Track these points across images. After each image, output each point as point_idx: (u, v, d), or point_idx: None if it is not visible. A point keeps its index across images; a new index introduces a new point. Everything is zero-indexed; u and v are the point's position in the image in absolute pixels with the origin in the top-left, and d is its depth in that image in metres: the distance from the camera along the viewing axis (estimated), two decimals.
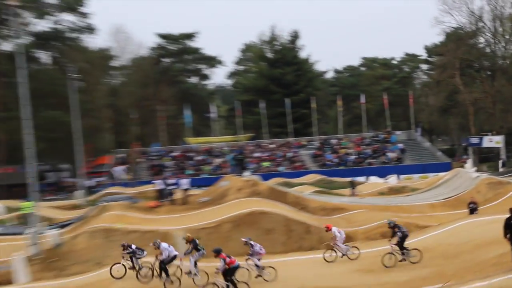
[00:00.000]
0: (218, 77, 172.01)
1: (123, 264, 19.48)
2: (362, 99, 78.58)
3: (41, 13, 69.27)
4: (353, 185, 46.08)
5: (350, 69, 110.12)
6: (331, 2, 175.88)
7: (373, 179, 57.27)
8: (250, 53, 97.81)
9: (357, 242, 24.46)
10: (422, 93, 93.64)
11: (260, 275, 19.50)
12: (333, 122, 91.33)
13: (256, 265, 19.74)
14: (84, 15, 71.91)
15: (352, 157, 69.20)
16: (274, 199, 30.23)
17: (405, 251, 19.64)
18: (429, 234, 22.76)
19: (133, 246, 19.81)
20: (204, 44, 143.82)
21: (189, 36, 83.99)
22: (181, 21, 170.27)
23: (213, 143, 74.25)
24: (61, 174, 71.12)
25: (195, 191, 40.79)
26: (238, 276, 17.91)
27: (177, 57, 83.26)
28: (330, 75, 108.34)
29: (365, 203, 35.09)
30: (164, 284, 18.26)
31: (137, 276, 19.00)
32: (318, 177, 58.49)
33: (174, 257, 19.12)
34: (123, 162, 65.76)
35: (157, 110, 75.15)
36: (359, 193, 44.65)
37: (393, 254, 19.60)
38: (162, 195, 36.81)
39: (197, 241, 19.29)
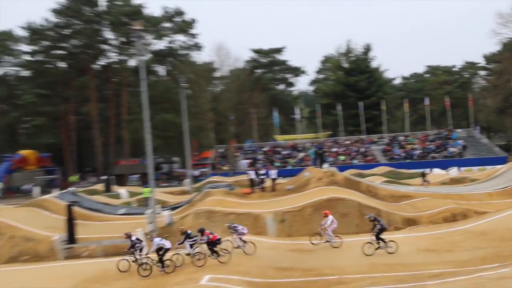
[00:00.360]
0: (302, 84, 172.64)
1: (126, 259, 19.08)
2: (426, 101, 77.16)
3: (159, 35, 72.24)
4: (424, 175, 44.63)
5: (415, 76, 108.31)
6: (400, 19, 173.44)
7: (436, 171, 55.84)
8: (329, 63, 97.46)
9: (421, 225, 24.48)
10: (480, 96, 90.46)
11: (239, 247, 19.88)
12: (400, 122, 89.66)
13: (238, 242, 20.13)
14: (192, 35, 74.46)
15: (417, 152, 68.40)
16: (349, 188, 29.93)
17: (381, 242, 19.00)
18: (487, 219, 22.24)
19: (133, 238, 19.65)
20: (290, 56, 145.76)
21: (278, 50, 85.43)
22: (271, 38, 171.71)
23: (297, 140, 74.92)
24: (172, 165, 73.42)
25: (282, 180, 40.30)
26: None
27: (267, 68, 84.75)
28: (398, 81, 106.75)
29: (429, 192, 33.94)
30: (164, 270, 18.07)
31: (138, 269, 18.41)
32: (387, 169, 57.79)
33: (168, 249, 18.66)
34: (222, 156, 68.18)
35: (250, 113, 75.89)
36: (430, 183, 42.93)
37: (371, 243, 18.99)
38: (254, 183, 36.29)
39: (189, 232, 19.30)
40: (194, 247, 18.95)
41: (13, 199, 52.04)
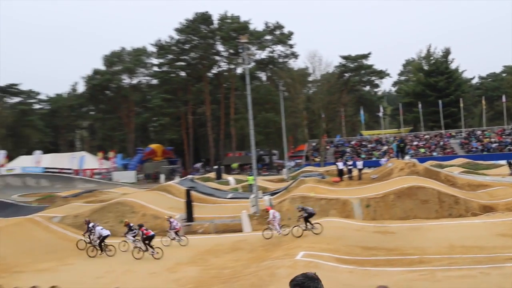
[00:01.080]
0: (385, 85, 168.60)
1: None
2: (503, 99, 72.97)
3: (262, 46, 73.07)
4: (510, 165, 40.89)
5: (492, 75, 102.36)
6: (479, 21, 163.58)
7: None
8: (410, 66, 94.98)
9: (498, 211, 22.97)
10: None
11: (174, 239, 20.68)
12: (478, 118, 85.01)
13: (173, 236, 20.84)
14: (290, 46, 74.62)
15: (494, 145, 64.67)
16: (429, 177, 28.87)
17: (309, 224, 19.75)
18: None
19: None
20: (375, 60, 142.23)
21: (364, 56, 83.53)
22: (359, 43, 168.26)
23: (381, 134, 73.56)
24: (272, 157, 73.91)
25: (367, 170, 39.92)
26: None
27: (355, 72, 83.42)
28: (475, 80, 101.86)
29: (506, 181, 31.67)
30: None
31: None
32: (465, 160, 54.64)
33: (106, 237, 19.66)
34: (315, 149, 67.86)
35: (339, 111, 75.19)
36: None
37: (299, 227, 19.90)
38: (343, 173, 36.04)
39: (131, 225, 19.61)
40: (135, 239, 19.17)
41: (144, 184, 54.47)
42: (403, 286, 12.33)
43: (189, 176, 49.13)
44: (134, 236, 19.35)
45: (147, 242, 18.52)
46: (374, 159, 61.58)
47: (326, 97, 67.22)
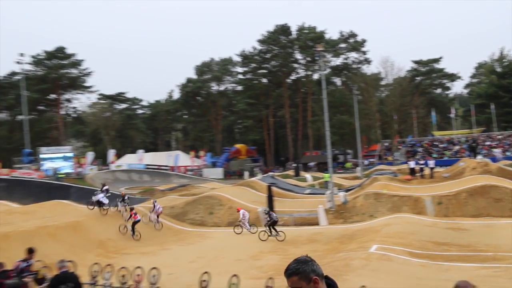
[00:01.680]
0: (457, 87, 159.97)
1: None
2: None
3: (337, 54, 72.12)
4: None
5: None
6: None
7: None
8: (482, 69, 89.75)
9: None
10: None
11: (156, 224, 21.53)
12: None
13: (154, 219, 21.68)
14: (363, 52, 73.23)
15: None
16: (502, 177, 27.15)
17: (273, 231, 19.65)
18: None
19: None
20: (447, 64, 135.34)
21: (436, 60, 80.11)
22: (432, 48, 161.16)
23: (453, 135, 70.25)
24: (347, 156, 72.43)
25: (439, 169, 38.73)
26: None
27: (426, 75, 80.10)
28: None
29: None
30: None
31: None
32: None
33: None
34: (387, 148, 65.93)
35: (411, 113, 73.31)
36: None
37: (265, 232, 19.67)
38: (414, 171, 35.23)
39: (126, 198, 21.84)
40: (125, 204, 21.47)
41: (230, 180, 55.33)
42: (477, 282, 11.63)
43: (270, 173, 49.36)
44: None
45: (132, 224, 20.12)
46: (445, 158, 58.89)
47: (398, 99, 65.13)
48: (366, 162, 60.35)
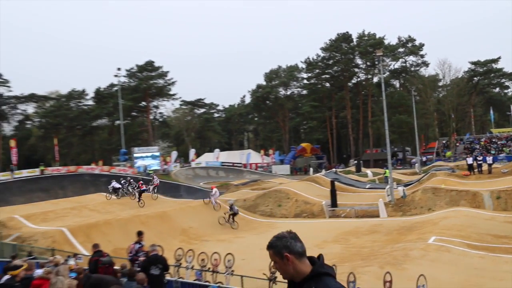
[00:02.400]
0: None
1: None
2: None
3: (395, 58, 69.60)
4: None
5: None
6: None
7: None
8: None
9: None
10: None
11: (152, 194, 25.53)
12: None
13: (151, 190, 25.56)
14: (421, 56, 70.07)
15: None
16: None
17: (231, 220, 21.48)
18: None
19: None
20: (506, 63, 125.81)
21: (494, 60, 74.97)
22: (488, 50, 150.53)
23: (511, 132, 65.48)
24: (405, 153, 70.36)
25: (497, 165, 36.54)
26: None
27: (484, 75, 75.05)
28: None
29: None
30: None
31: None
32: None
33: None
34: (445, 145, 62.72)
35: (469, 111, 69.71)
36: None
37: (224, 217, 21.53)
38: (472, 167, 33.32)
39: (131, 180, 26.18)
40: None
41: (296, 176, 55.26)
42: None
43: (333, 169, 48.78)
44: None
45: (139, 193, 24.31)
46: (503, 154, 55.03)
47: (456, 99, 61.74)
48: (424, 158, 57.61)
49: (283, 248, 2.39)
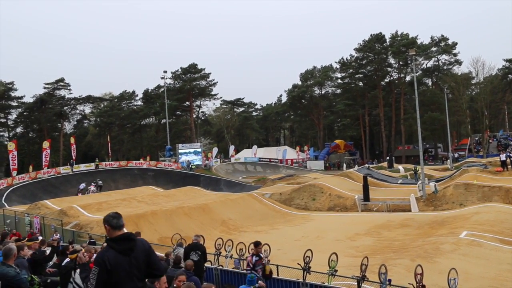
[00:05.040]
0: None
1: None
2: None
3: (428, 57, 67.19)
4: None
5: None
6: None
7: None
8: None
9: None
10: None
11: None
12: None
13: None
14: (454, 54, 67.34)
15: None
16: None
17: None
18: None
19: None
20: None
21: None
22: None
23: None
24: (437, 149, 68.39)
25: None
26: None
27: None
28: None
29: None
30: None
31: None
32: None
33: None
34: (477, 142, 60.19)
35: (503, 108, 66.69)
36: None
37: None
38: (506, 163, 31.42)
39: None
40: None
41: (330, 171, 54.80)
42: None
43: (366, 165, 47.97)
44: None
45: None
46: None
47: (489, 96, 58.97)
48: (456, 155, 55.67)
49: (104, 222, 3.37)
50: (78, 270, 5.88)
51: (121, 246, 3.25)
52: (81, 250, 7.39)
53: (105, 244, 3.45)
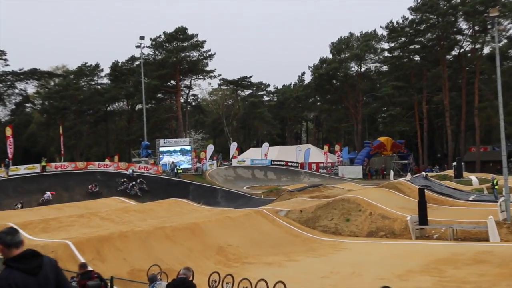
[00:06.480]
0: None
1: None
2: None
3: None
4: None
5: None
6: None
7: None
8: None
9: None
10: None
11: None
12: None
13: None
14: None
15: None
16: None
17: None
18: None
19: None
20: None
21: None
22: None
23: None
24: None
25: None
26: None
27: None
28: None
29: None
30: None
31: None
32: None
33: None
34: None
35: None
36: None
37: None
38: None
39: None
40: None
41: (371, 180, 54.57)
42: None
43: (423, 173, 47.63)
44: None
45: None
46: None
47: None
48: None
49: None
50: None
51: (27, 265, 3.62)
52: None
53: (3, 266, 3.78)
